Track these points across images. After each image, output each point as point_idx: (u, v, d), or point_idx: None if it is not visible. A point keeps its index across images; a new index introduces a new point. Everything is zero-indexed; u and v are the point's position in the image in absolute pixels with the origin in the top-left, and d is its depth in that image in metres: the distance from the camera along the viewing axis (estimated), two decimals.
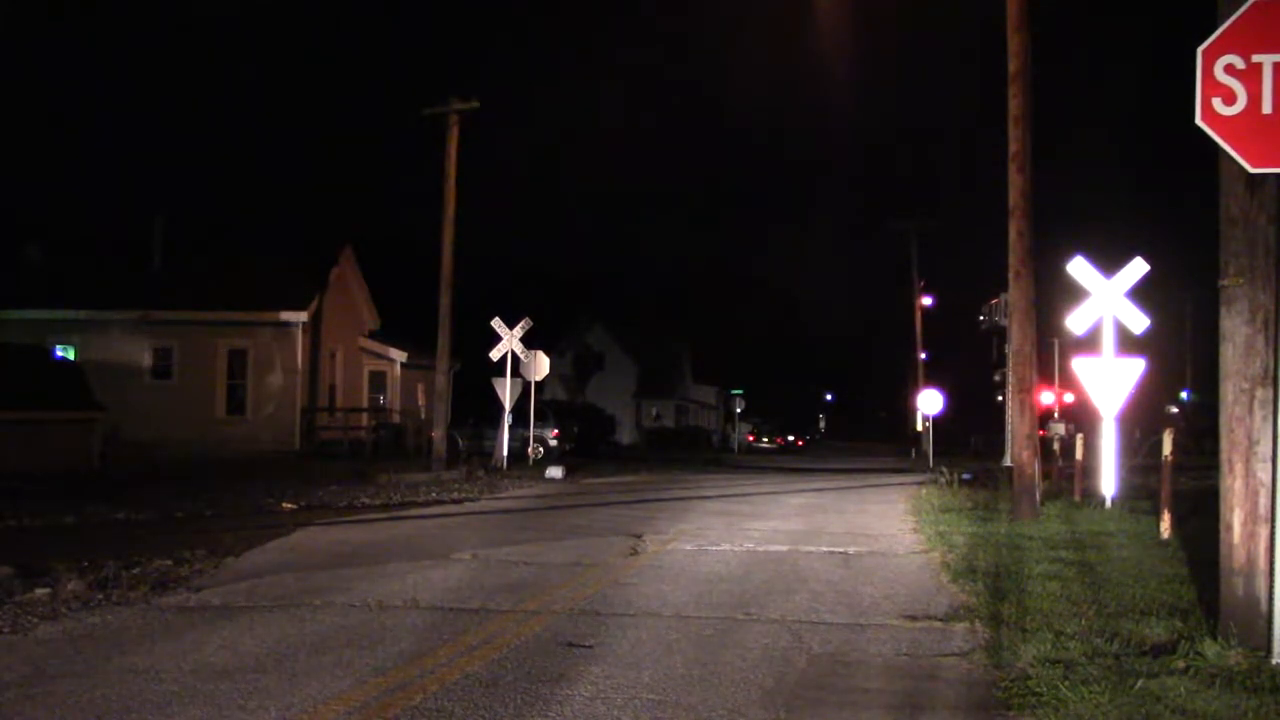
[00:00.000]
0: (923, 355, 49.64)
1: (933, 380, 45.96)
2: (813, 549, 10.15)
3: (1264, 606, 5.49)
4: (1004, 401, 30.00)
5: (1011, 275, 13.58)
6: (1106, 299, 13.86)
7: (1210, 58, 5.48)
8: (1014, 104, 13.29)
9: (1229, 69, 5.45)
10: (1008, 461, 21.94)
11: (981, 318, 37.79)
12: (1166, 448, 11.53)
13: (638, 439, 55.43)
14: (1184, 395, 50.20)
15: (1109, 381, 13.61)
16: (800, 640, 6.18)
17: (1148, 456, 26.97)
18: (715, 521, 12.81)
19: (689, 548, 10.18)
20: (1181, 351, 49.16)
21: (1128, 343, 14.13)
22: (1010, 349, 16.19)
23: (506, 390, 25.09)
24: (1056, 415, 37.62)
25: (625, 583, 8.12)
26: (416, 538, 11.09)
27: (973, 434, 57.57)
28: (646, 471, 26.12)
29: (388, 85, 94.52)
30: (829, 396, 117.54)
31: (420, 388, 33.71)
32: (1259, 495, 5.68)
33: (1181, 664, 5.31)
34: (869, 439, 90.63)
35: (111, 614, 6.91)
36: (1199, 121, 5.48)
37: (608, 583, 8.13)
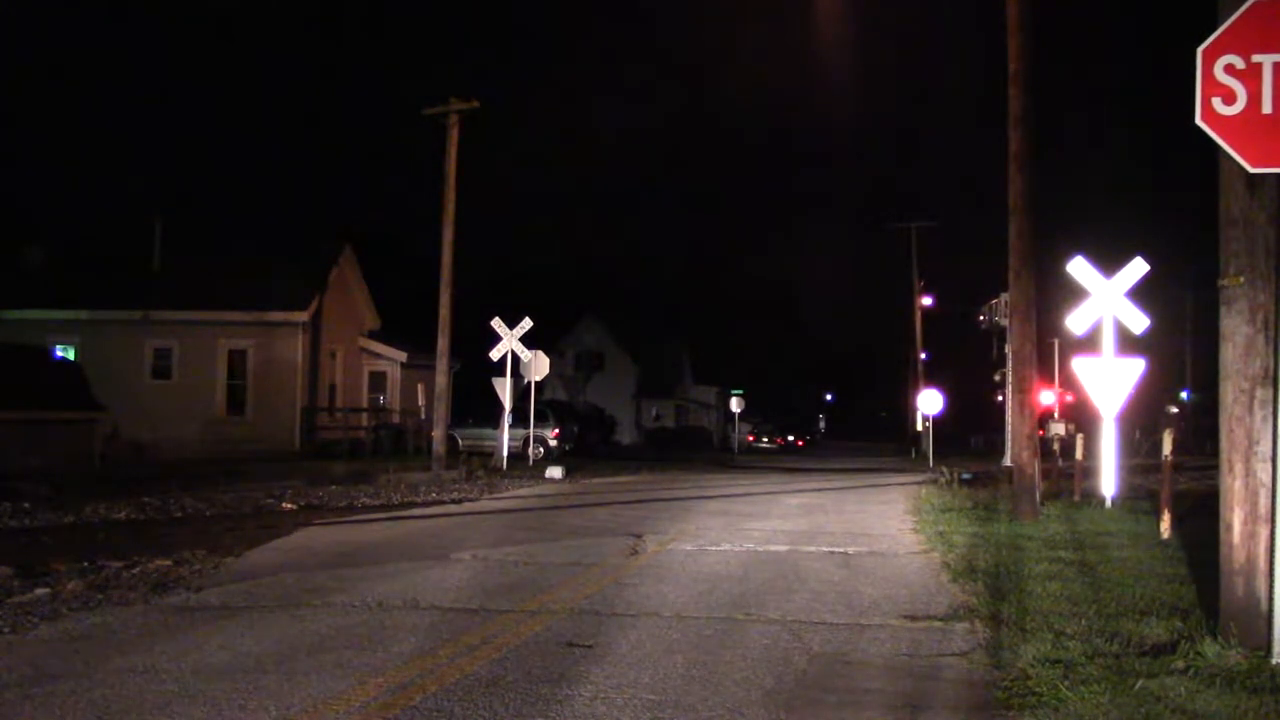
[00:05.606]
0: (923, 355, 49.72)
1: (933, 380, 46.02)
2: (813, 549, 10.15)
3: (1264, 606, 5.49)
4: (1004, 401, 29.98)
5: (1011, 275, 13.58)
6: (1106, 299, 13.87)
7: (1210, 58, 5.48)
8: (1014, 104, 13.30)
9: (1229, 69, 5.45)
10: (1008, 461, 21.94)
11: (981, 318, 37.76)
12: (1166, 448, 11.54)
13: (638, 439, 55.40)
14: (1184, 395, 50.23)
15: (1109, 381, 13.62)
16: (800, 640, 6.18)
17: (1148, 456, 27.04)
18: (715, 521, 12.80)
19: (689, 548, 10.17)
20: (1181, 351, 49.17)
21: (1128, 343, 14.14)
22: (1010, 349, 16.22)
23: (506, 390, 25.08)
24: (1056, 415, 37.66)
25: (625, 583, 8.12)
26: (416, 538, 11.09)
27: (973, 434, 57.67)
28: (646, 471, 26.10)
29: (388, 85, 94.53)
30: (829, 396, 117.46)
31: (420, 388, 33.66)
32: (1259, 495, 5.68)
33: (1181, 664, 5.31)
34: (869, 439, 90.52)
35: (111, 614, 6.91)
36: (1199, 121, 5.48)
37: (608, 583, 8.13)
